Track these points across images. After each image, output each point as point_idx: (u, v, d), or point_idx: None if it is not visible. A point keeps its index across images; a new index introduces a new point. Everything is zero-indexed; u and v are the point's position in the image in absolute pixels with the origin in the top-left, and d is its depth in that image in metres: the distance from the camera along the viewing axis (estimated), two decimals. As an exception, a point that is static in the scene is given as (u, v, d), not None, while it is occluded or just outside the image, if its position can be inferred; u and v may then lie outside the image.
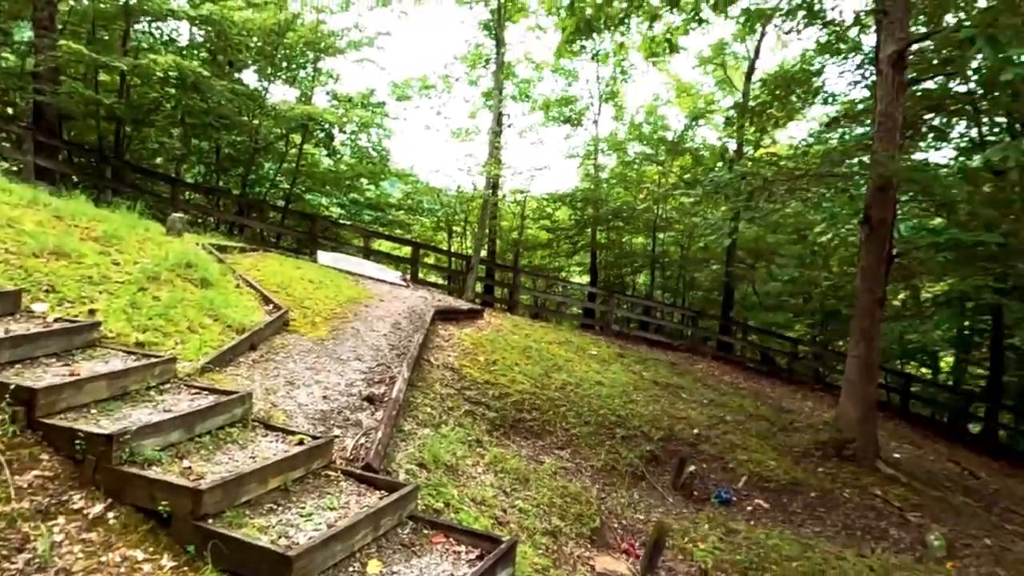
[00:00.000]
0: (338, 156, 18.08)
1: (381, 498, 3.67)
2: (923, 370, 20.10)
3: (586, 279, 21.70)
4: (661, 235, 20.40)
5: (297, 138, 16.59)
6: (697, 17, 9.76)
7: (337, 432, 4.78)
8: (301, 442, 3.93)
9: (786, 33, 11.67)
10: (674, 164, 19.65)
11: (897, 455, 11.01)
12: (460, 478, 5.29)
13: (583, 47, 11.21)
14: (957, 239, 11.90)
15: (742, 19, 10.69)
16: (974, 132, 14.65)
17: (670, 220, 19.56)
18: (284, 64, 16.31)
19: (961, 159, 14.57)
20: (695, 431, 8.89)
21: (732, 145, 17.82)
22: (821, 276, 16.86)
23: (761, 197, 10.35)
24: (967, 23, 8.01)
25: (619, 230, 20.17)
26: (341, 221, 18.77)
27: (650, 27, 9.09)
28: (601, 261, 21.01)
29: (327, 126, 16.03)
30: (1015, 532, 8.43)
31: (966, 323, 16.88)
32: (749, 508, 7.54)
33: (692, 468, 7.82)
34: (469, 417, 6.67)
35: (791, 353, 17.52)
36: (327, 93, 17.91)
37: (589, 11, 7.56)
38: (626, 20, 8.77)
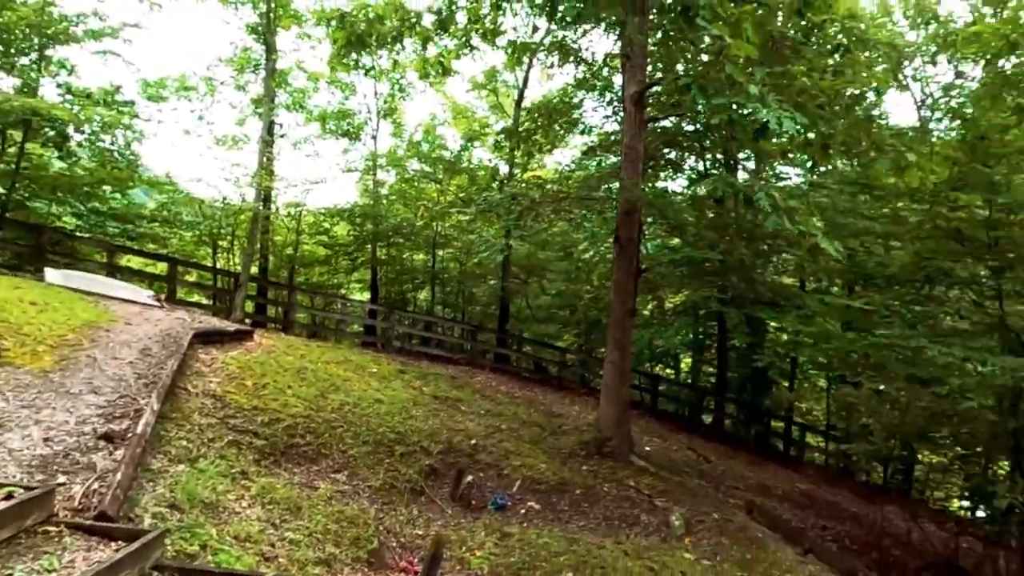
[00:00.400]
0: (74, 159, 15.65)
1: (117, 550, 3.23)
2: (668, 371, 22.96)
3: (367, 296, 21.36)
4: (441, 252, 20.82)
5: (17, 135, 14.05)
6: (468, 44, 10.20)
7: (62, 479, 4.10)
8: (9, 496, 3.31)
9: (548, 67, 12.69)
10: (451, 183, 20.23)
11: (648, 448, 12.40)
12: (221, 515, 4.85)
13: (358, 61, 11.11)
14: (690, 256, 13.89)
15: (509, 50, 11.39)
16: (701, 166, 17.23)
17: (449, 237, 20.06)
18: (-1, 48, 13.77)
19: (692, 188, 17.05)
20: (473, 441, 9.16)
21: (504, 167, 18.87)
22: (583, 290, 18.50)
23: (529, 217, 11.08)
24: (691, 73, 9.41)
25: (399, 246, 20.20)
26: (78, 234, 16.26)
27: (423, 48, 9.29)
28: (382, 278, 20.85)
29: (59, 123, 13.80)
30: (736, 505, 9.96)
31: (699, 328, 19.66)
32: (523, 511, 7.94)
33: (470, 478, 8.04)
34: (234, 448, 6.15)
35: (560, 362, 18.90)
36: (59, 86, 15.46)
37: (361, 26, 7.52)
38: (399, 39, 8.86)
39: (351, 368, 10.92)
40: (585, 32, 12.60)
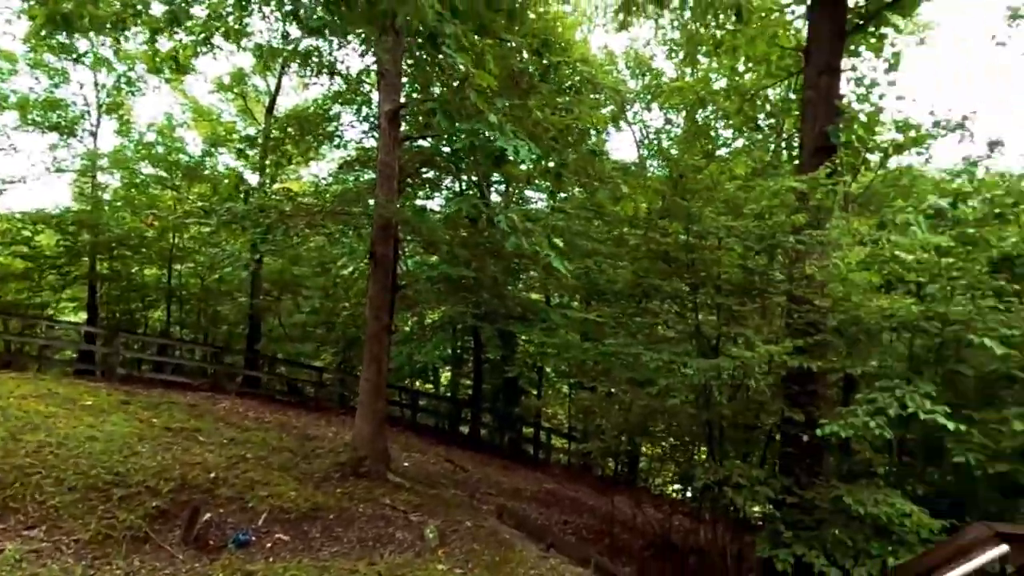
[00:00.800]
0: None
1: None
2: (428, 386, 23.33)
3: (83, 317, 18.36)
4: (178, 266, 18.72)
5: None
6: (208, 42, 9.40)
7: None
8: None
9: (302, 77, 12.22)
10: (191, 190, 18.36)
11: (406, 464, 12.44)
12: None
13: (68, 45, 9.58)
14: (446, 273, 14.34)
15: (257, 54, 10.73)
16: (458, 186, 17.90)
17: (188, 250, 18.14)
18: None
19: (449, 207, 17.62)
20: (212, 475, 8.34)
21: (253, 176, 17.68)
22: (341, 307, 18.03)
23: (279, 230, 10.51)
24: (440, 97, 9.75)
25: (126, 260, 17.72)
26: None
27: (152, 40, 8.32)
28: (103, 295, 18.08)
29: None
30: (488, 511, 10.42)
31: (457, 343, 20.34)
32: (269, 544, 7.42)
33: (207, 516, 7.30)
34: None
35: (317, 382, 18.15)
36: None
37: (68, 6, 6.47)
38: (122, 26, 7.83)
39: (57, 402, 9.30)
40: (341, 45, 12.39)
